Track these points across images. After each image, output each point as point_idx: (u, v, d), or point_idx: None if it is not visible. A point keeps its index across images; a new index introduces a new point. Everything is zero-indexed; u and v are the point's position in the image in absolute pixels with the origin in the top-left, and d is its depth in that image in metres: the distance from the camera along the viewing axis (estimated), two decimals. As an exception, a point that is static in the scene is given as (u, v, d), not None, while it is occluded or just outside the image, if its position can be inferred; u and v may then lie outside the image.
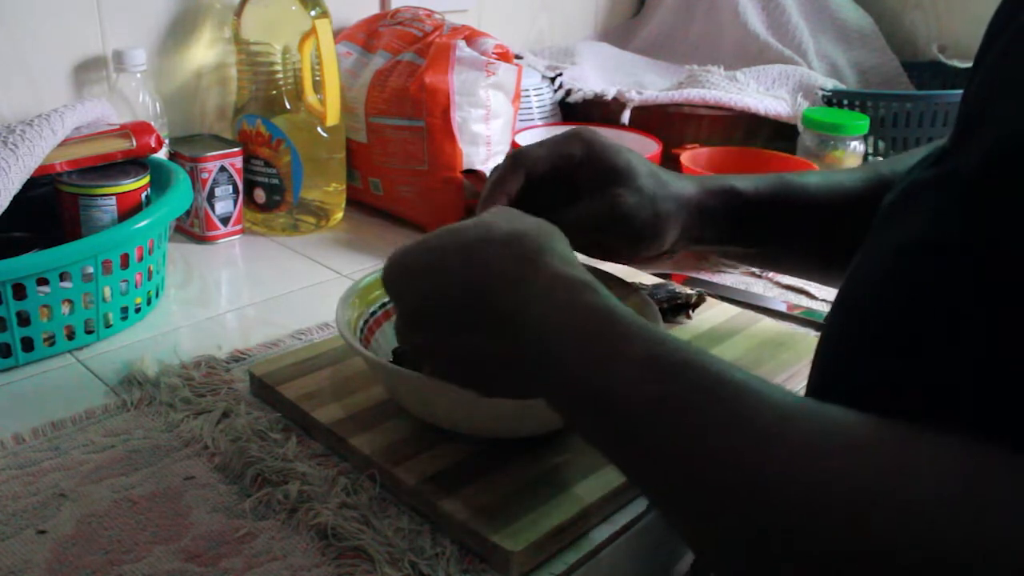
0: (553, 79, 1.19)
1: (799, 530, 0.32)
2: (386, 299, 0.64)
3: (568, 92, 1.17)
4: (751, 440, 0.34)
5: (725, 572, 0.38)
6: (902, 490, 0.31)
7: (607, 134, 0.61)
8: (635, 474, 0.39)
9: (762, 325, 0.73)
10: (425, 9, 1.00)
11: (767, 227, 0.62)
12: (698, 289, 0.75)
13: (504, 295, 0.43)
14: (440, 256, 0.46)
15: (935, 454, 0.32)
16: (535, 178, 0.57)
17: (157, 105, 0.89)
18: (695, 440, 0.35)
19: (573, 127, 0.60)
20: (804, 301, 0.81)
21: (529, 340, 0.42)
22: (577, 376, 0.40)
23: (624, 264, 0.70)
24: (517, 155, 0.57)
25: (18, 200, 0.67)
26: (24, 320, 0.64)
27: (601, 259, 0.60)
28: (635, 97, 1.11)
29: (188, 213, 0.89)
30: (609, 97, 1.12)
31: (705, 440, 0.35)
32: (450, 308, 0.45)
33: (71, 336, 0.68)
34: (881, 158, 1.10)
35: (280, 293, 0.81)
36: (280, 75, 0.91)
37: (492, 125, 0.93)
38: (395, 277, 0.48)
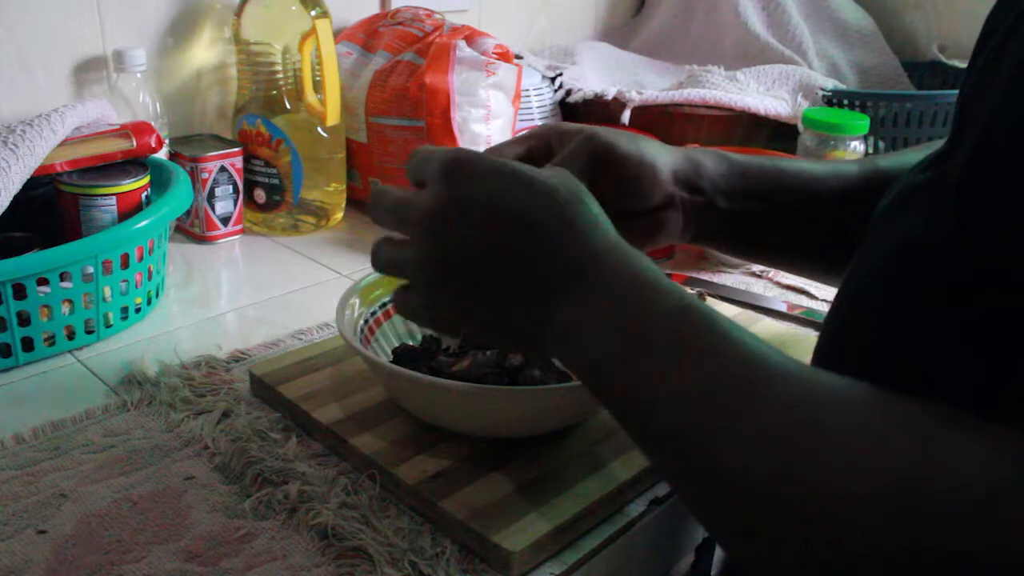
0: (553, 79, 1.19)
1: (818, 509, 0.32)
2: (386, 299, 0.64)
3: (568, 92, 1.17)
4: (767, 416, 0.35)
5: (730, 548, 0.38)
6: (935, 482, 0.31)
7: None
8: (642, 433, 0.40)
9: (762, 325, 0.73)
10: (425, 9, 1.00)
11: (764, 191, 0.60)
12: (698, 289, 0.75)
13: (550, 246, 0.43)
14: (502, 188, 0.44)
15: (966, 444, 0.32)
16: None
17: (157, 105, 0.89)
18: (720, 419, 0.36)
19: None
20: (804, 301, 0.81)
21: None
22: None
23: None
24: (488, 147, 0.57)
25: (18, 200, 0.67)
26: (24, 320, 0.64)
27: None
28: (635, 97, 1.11)
29: (188, 213, 0.89)
30: (609, 97, 1.12)
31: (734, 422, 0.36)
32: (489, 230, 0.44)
33: (71, 336, 0.68)
34: (881, 158, 1.10)
35: (280, 293, 0.81)
36: (280, 75, 0.91)
37: (492, 125, 0.93)
38: (457, 179, 0.45)
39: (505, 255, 0.44)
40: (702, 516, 0.38)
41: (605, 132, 0.56)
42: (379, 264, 0.50)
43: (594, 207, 0.45)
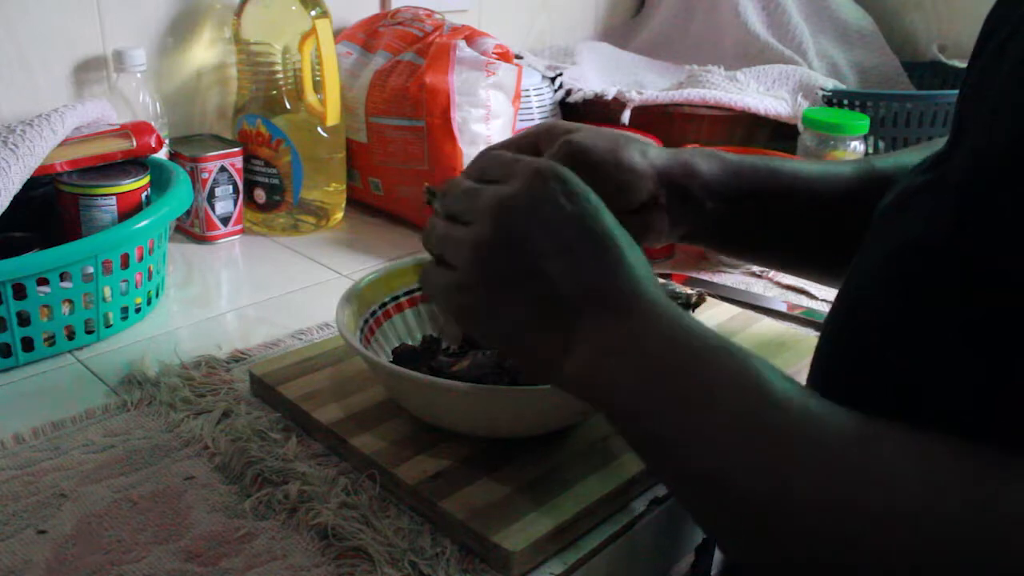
0: (553, 79, 1.18)
1: (812, 534, 0.33)
2: (386, 299, 0.64)
3: (568, 92, 1.17)
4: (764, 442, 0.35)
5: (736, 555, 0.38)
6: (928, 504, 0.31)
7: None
8: (647, 449, 0.41)
9: (762, 325, 0.73)
10: (425, 9, 1.00)
11: (757, 191, 0.59)
12: (698, 289, 0.75)
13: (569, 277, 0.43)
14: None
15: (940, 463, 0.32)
16: None
17: (157, 105, 0.89)
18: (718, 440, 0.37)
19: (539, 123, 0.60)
20: (804, 301, 0.81)
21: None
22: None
23: None
24: (484, 149, 0.57)
25: (18, 200, 0.67)
26: (24, 320, 0.64)
27: None
28: (635, 97, 1.10)
29: (188, 213, 0.89)
30: (609, 97, 1.12)
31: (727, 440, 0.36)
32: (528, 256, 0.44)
33: (71, 336, 0.68)
34: (881, 158, 1.10)
35: (280, 293, 0.81)
36: (280, 75, 0.91)
37: (492, 125, 0.93)
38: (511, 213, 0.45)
39: (556, 266, 0.44)
40: (708, 531, 0.39)
41: (582, 136, 0.56)
42: (433, 234, 0.48)
43: (634, 250, 0.45)
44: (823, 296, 0.82)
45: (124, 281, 0.70)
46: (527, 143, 0.58)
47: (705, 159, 0.59)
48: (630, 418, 0.41)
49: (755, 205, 0.59)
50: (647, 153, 0.57)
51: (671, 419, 0.39)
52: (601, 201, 0.46)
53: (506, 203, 0.45)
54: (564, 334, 0.43)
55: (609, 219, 0.45)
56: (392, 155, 0.94)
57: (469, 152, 0.92)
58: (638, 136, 0.59)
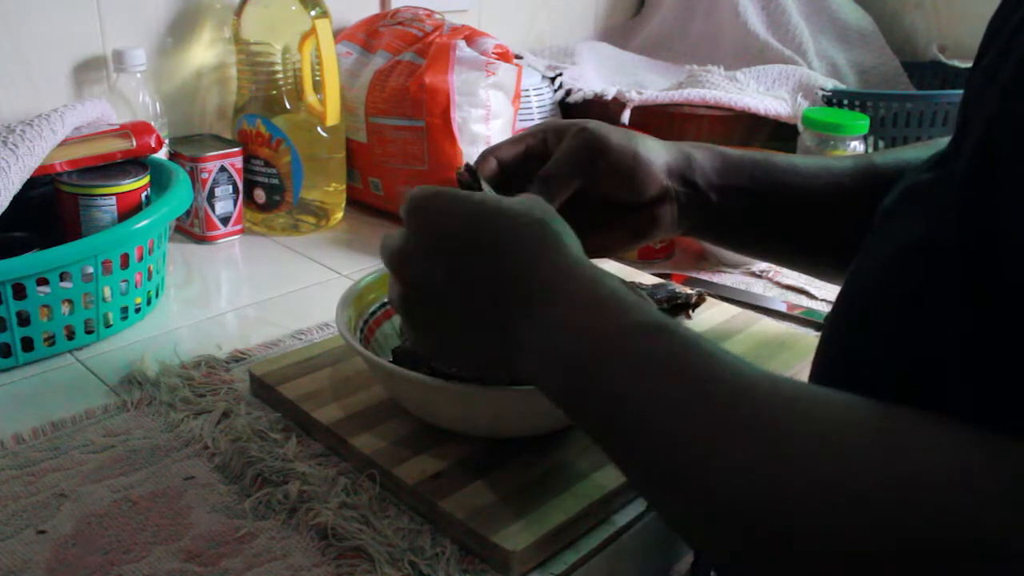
0: (553, 79, 1.18)
1: (789, 523, 0.32)
2: (386, 299, 0.64)
3: (568, 92, 1.17)
4: (729, 429, 0.35)
5: (713, 555, 0.38)
6: (919, 480, 0.31)
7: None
8: (618, 455, 0.40)
9: (762, 325, 0.73)
10: (425, 9, 1.00)
11: (756, 186, 0.60)
12: (698, 289, 0.75)
13: (521, 278, 0.44)
14: (471, 228, 0.46)
15: (950, 443, 0.31)
16: (508, 161, 0.58)
17: (157, 105, 0.89)
18: (675, 430, 0.36)
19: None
20: (804, 301, 0.81)
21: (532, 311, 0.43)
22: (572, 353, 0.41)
23: (623, 246, 0.64)
24: (486, 148, 0.60)
25: (18, 200, 0.67)
26: (24, 320, 0.64)
27: (594, 229, 0.58)
28: (635, 97, 1.10)
29: (188, 213, 0.89)
30: (609, 97, 1.12)
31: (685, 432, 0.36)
32: (468, 273, 0.45)
33: (71, 336, 0.68)
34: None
35: (280, 293, 0.81)
36: (280, 75, 0.91)
37: (492, 125, 0.93)
38: (423, 226, 0.47)
39: (468, 282, 0.44)
40: (678, 531, 0.38)
41: (598, 125, 0.57)
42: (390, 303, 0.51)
43: (561, 230, 0.45)
44: (823, 296, 0.82)
45: (124, 281, 0.70)
46: (536, 141, 0.59)
47: (705, 153, 0.60)
48: (575, 405, 0.41)
49: (755, 199, 0.60)
50: (655, 146, 0.59)
51: (612, 398, 0.38)
52: (487, 194, 0.47)
53: (394, 253, 0.47)
54: (503, 342, 0.44)
55: (508, 203, 0.45)
56: (392, 155, 0.94)
57: (469, 152, 0.92)
58: (638, 132, 0.60)
